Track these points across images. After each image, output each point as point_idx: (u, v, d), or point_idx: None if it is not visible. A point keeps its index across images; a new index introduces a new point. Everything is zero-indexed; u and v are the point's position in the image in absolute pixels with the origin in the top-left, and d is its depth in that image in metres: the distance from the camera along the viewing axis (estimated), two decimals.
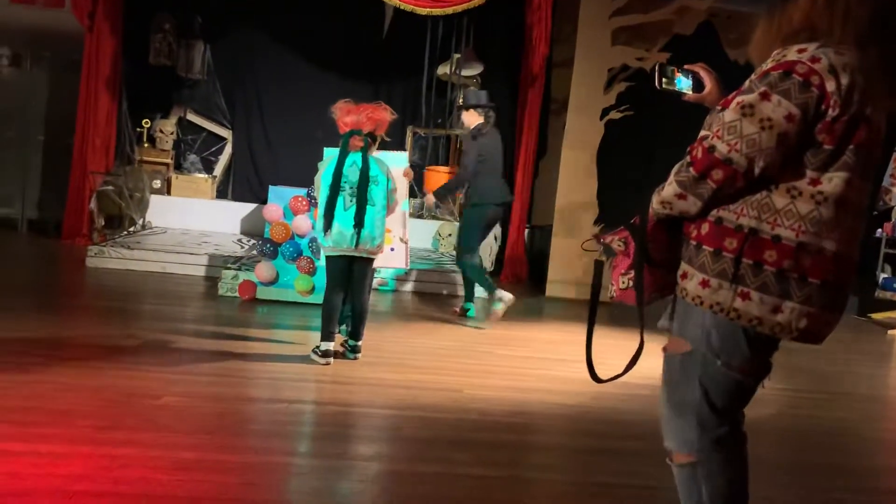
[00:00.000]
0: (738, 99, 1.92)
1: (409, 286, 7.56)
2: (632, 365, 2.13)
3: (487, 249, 8.76)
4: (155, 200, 9.05)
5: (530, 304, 7.77)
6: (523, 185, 8.69)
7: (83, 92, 8.37)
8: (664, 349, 2.16)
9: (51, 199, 9.24)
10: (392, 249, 5.68)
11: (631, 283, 2.07)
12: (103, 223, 8.11)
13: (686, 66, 2.23)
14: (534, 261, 8.92)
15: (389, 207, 4.77)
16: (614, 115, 8.10)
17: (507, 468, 3.35)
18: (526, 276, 8.84)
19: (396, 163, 5.30)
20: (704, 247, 1.99)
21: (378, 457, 3.39)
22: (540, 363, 5.23)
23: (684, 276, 2.04)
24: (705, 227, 2.00)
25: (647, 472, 3.42)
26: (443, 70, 9.84)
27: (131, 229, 8.47)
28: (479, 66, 9.56)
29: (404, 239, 5.90)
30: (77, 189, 8.35)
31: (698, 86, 2.22)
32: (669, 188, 2.00)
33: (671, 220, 2.06)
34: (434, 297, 7.41)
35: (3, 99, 9.40)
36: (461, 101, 6.36)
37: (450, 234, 9.32)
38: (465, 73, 9.58)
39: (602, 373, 2.18)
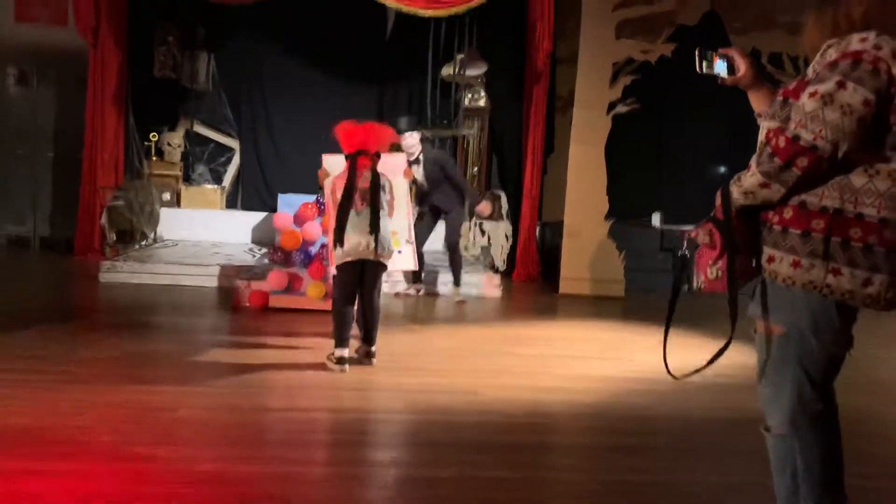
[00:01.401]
0: (813, 89, 2.03)
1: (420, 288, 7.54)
2: (720, 354, 2.22)
3: (499, 248, 8.74)
4: (165, 213, 9.09)
5: (544, 302, 7.74)
6: (532, 182, 8.66)
7: (90, 108, 8.42)
8: (755, 331, 2.26)
9: (62, 216, 9.29)
10: (399, 252, 5.67)
11: (720, 273, 2.17)
12: (115, 238, 8.15)
13: (721, 50, 2.34)
14: (546, 258, 8.88)
15: (390, 209, 4.88)
16: (621, 108, 8.07)
17: (527, 469, 3.33)
18: (538, 273, 8.80)
19: (396, 163, 5.29)
20: (791, 230, 2.09)
21: (396, 463, 3.37)
22: (556, 361, 5.20)
23: (771, 259, 2.13)
24: (789, 212, 2.10)
25: (668, 467, 3.40)
26: (447, 71, 9.82)
27: (143, 243, 8.51)
28: (483, 65, 9.54)
29: (409, 240, 5.89)
30: (87, 205, 8.40)
31: (731, 69, 2.34)
32: (752, 178, 2.10)
33: (748, 209, 2.15)
34: (445, 299, 7.39)
35: (11, 117, 9.48)
36: (401, 126, 6.76)
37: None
38: (469, 72, 9.56)
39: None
